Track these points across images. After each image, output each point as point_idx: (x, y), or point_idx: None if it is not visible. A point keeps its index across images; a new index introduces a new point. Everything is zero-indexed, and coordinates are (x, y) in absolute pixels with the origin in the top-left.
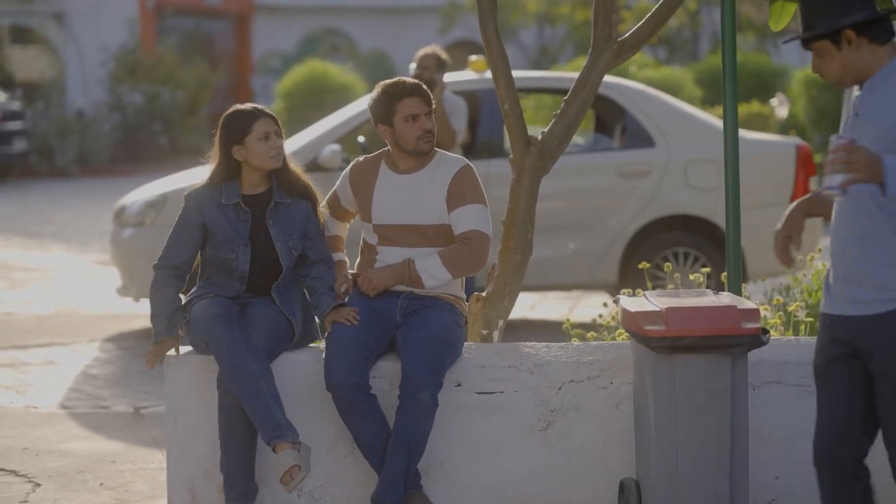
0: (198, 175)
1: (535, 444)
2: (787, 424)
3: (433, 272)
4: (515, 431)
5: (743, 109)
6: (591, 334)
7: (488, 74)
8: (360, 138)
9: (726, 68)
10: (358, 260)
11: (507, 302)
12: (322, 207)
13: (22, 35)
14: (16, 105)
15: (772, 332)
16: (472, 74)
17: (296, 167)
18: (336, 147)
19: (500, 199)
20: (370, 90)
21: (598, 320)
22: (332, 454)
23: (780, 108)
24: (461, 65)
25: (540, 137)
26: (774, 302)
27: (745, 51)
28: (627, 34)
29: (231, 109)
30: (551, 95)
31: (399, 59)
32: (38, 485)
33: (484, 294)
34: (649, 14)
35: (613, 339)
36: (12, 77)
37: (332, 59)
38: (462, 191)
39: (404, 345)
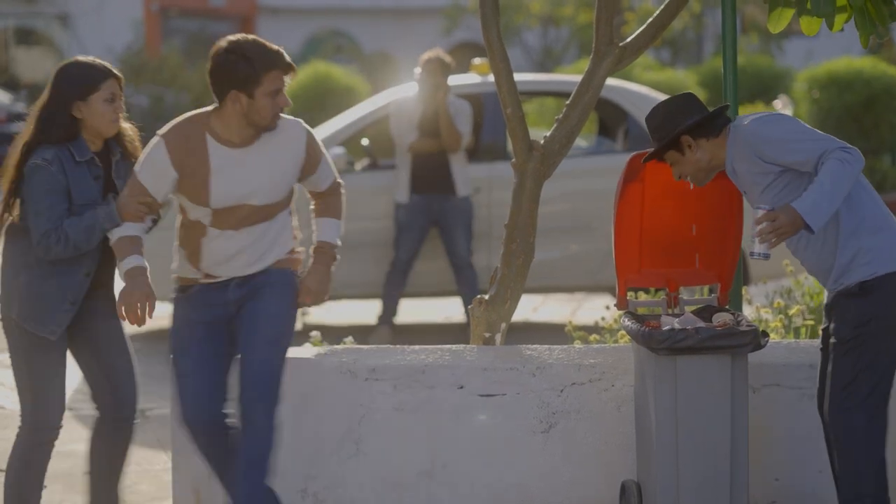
0: None
1: (536, 446)
2: (787, 427)
3: (339, 235)
4: (517, 433)
5: (746, 111)
6: (593, 336)
7: (491, 78)
8: (364, 141)
9: (727, 71)
10: (176, 243)
11: (509, 305)
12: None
13: (26, 36)
14: (20, 106)
15: (772, 335)
16: (475, 77)
17: (126, 125)
18: (340, 150)
19: (503, 201)
20: (374, 92)
21: (601, 323)
22: (336, 455)
23: (783, 110)
24: (465, 66)
25: (542, 142)
26: (775, 305)
27: (748, 52)
28: (629, 39)
29: (72, 61)
30: (554, 98)
31: (402, 60)
32: (45, 486)
33: (486, 297)
34: (651, 19)
35: (616, 341)
36: (17, 78)
37: (335, 61)
38: (316, 154)
39: (240, 345)
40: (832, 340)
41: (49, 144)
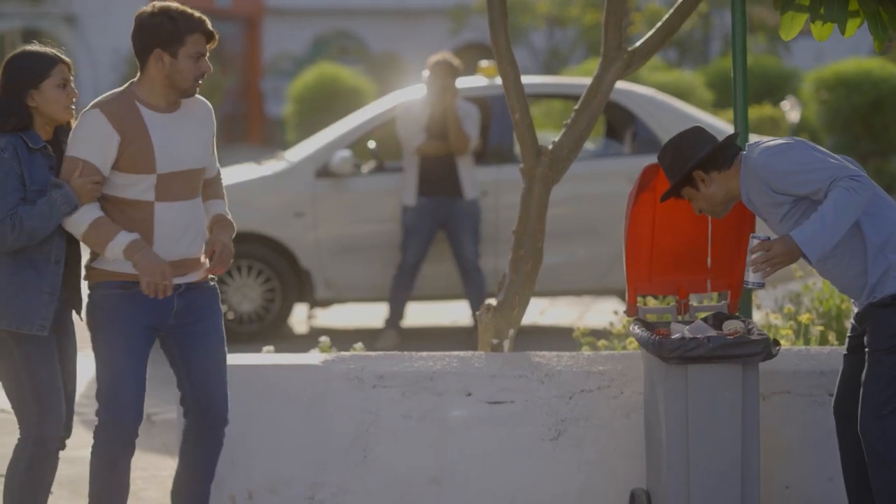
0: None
1: (545, 454)
2: (798, 434)
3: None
4: (526, 440)
5: (754, 113)
6: (601, 342)
7: (498, 80)
8: (371, 143)
9: (737, 73)
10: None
11: (517, 311)
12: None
13: (33, 37)
14: None
15: (782, 341)
16: (482, 80)
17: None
18: (347, 153)
19: (510, 205)
20: (381, 93)
21: (609, 328)
22: (343, 463)
23: (791, 111)
24: (472, 67)
25: (550, 147)
26: (785, 311)
27: (755, 53)
28: (638, 43)
29: (20, 50)
30: (561, 101)
31: (409, 60)
32: (51, 492)
33: (494, 303)
34: (660, 23)
35: (624, 347)
36: None
37: (342, 62)
38: (214, 134)
39: (193, 366)
40: (867, 350)
41: (2, 134)
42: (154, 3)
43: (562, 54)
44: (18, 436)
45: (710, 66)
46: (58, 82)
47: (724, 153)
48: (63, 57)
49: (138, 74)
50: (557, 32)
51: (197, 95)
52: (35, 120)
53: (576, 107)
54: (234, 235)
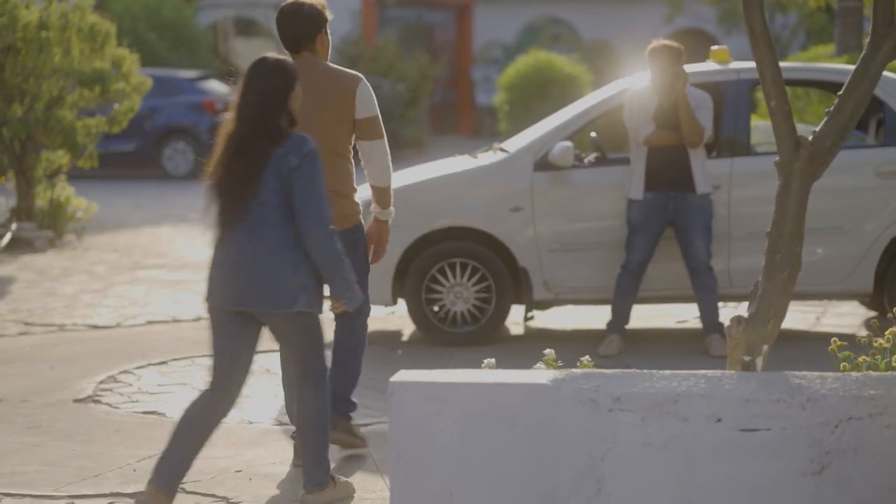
0: (421, 171)
1: (807, 490)
2: None
3: None
4: (785, 475)
5: None
6: (862, 358)
7: (731, 65)
8: (593, 134)
9: None
10: None
11: (772, 325)
12: None
13: (246, 27)
14: None
15: None
16: (713, 65)
17: None
18: (568, 144)
19: (744, 199)
20: (596, 82)
21: (865, 339)
22: (574, 496)
23: None
24: (687, 55)
25: (811, 138)
26: None
27: None
28: None
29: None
30: (790, 88)
31: (623, 49)
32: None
33: (746, 315)
34: None
35: (888, 363)
36: (237, 69)
37: (553, 50)
38: None
39: None
40: None
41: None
42: None
43: (783, 40)
44: None
45: None
46: None
47: None
48: None
49: None
50: (778, 18)
51: None
52: None
53: (839, 93)
54: None
